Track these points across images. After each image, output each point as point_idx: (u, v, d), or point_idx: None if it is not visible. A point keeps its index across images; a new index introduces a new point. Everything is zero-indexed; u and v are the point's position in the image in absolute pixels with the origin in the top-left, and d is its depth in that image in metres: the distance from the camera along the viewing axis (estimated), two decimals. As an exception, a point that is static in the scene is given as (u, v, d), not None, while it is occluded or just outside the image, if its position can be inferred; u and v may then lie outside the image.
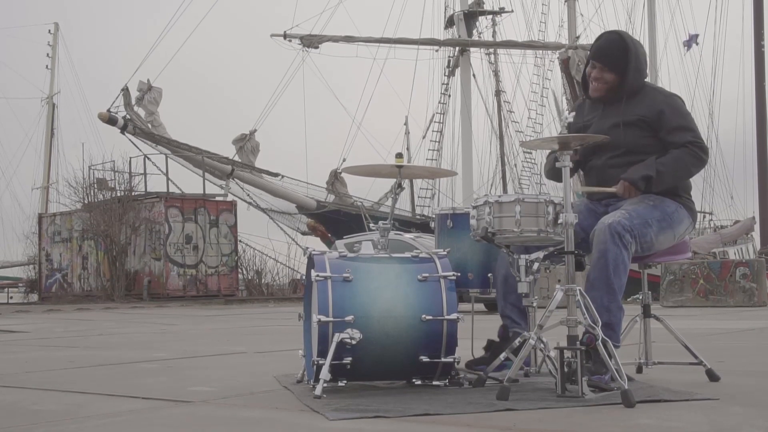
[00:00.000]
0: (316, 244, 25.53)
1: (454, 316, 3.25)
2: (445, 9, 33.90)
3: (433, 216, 3.91)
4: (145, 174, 23.98)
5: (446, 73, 33.09)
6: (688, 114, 3.74)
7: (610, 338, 3.21)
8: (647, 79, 3.84)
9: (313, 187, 27.26)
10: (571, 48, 29.69)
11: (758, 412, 2.77)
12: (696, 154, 3.61)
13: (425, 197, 31.59)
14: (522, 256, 3.35)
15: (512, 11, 35.40)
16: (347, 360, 3.18)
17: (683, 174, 3.64)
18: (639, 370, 3.76)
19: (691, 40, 34.15)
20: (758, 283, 13.91)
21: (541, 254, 3.36)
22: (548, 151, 3.81)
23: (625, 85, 3.68)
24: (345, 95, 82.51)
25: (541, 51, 33.48)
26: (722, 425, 2.49)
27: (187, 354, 5.43)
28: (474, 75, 33.11)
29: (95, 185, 23.83)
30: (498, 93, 35.17)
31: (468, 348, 3.76)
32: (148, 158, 24.02)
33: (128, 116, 24.22)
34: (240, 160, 26.20)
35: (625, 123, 3.66)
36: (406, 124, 37.75)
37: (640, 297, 3.70)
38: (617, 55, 3.68)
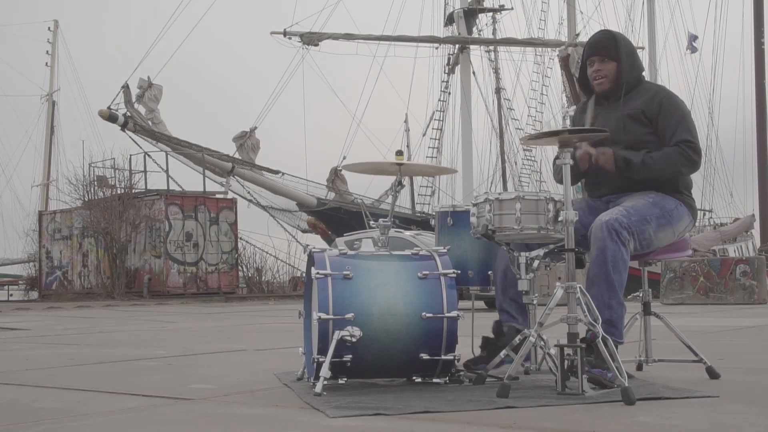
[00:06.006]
0: (316, 241, 25.58)
1: (454, 313, 3.25)
2: (445, 6, 33.92)
3: (434, 213, 3.91)
4: (145, 171, 23.99)
5: (446, 71, 33.10)
6: (688, 114, 3.74)
7: (612, 335, 3.21)
8: (648, 79, 3.87)
9: (313, 185, 27.30)
10: (570, 45, 29.66)
11: (758, 409, 2.77)
12: (688, 155, 3.62)
13: (425, 195, 31.66)
14: (522, 253, 3.36)
15: (512, 9, 35.48)
16: (347, 357, 3.18)
17: (670, 170, 3.64)
18: (639, 367, 3.77)
19: (692, 41, 34.16)
20: (758, 280, 13.91)
21: (541, 252, 3.36)
22: (552, 153, 3.83)
23: (622, 74, 3.72)
24: (345, 93, 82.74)
25: (540, 48, 33.50)
26: (722, 423, 2.49)
27: (188, 351, 5.43)
28: (474, 72, 33.15)
29: (95, 183, 23.79)
30: (498, 90, 35.18)
31: (468, 345, 3.76)
32: (149, 155, 24.03)
33: (128, 113, 24.24)
34: (240, 158, 26.21)
35: (627, 117, 3.68)
36: (406, 121, 37.74)
37: (641, 294, 3.71)
38: (609, 45, 3.78)
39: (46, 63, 45.49)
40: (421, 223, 23.36)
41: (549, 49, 33.01)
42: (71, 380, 3.87)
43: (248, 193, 26.06)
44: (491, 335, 3.71)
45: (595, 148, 3.64)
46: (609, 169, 3.62)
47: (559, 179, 3.80)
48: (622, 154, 3.60)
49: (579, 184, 3.99)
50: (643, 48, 34.65)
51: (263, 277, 25.43)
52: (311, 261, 3.36)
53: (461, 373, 3.45)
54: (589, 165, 3.67)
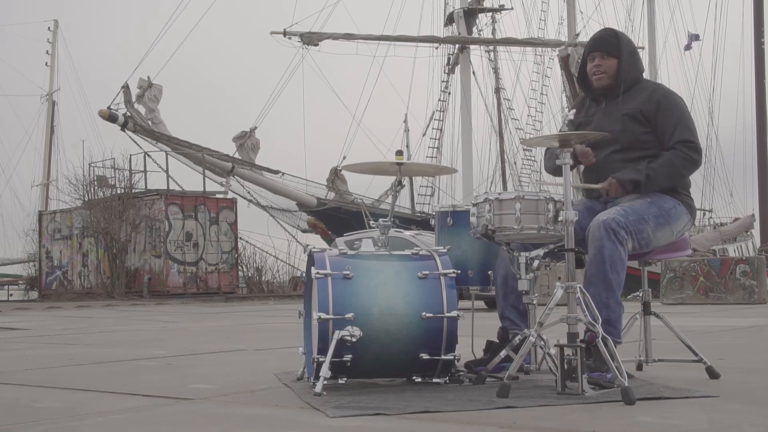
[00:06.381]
0: (316, 241, 25.57)
1: (454, 313, 3.25)
2: (445, 6, 33.92)
3: (433, 213, 3.91)
4: (145, 171, 24.01)
5: (446, 71, 33.10)
6: (687, 111, 3.74)
7: (611, 334, 3.21)
8: (647, 77, 3.87)
9: (313, 185, 27.31)
10: (570, 45, 29.67)
11: (758, 409, 2.77)
12: (688, 156, 3.62)
13: (425, 195, 31.65)
14: (522, 253, 3.36)
15: (512, 8, 35.44)
16: (347, 357, 3.18)
17: (675, 177, 3.65)
18: (639, 367, 3.77)
19: (692, 40, 34.15)
20: (758, 280, 13.91)
21: (541, 252, 3.36)
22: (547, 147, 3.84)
23: (622, 72, 3.72)
24: (345, 93, 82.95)
25: (540, 48, 33.48)
26: (722, 423, 2.50)
27: (188, 351, 5.43)
28: (474, 72, 33.14)
29: (95, 182, 23.81)
30: (498, 90, 35.18)
31: (468, 345, 3.76)
32: (149, 155, 24.04)
33: (128, 113, 24.24)
34: (240, 158, 26.21)
35: (625, 116, 3.68)
36: (405, 121, 37.74)
37: (640, 294, 3.71)
38: (611, 42, 3.79)
39: (46, 63, 45.56)
40: (421, 223, 23.37)
41: (549, 49, 33.01)
42: (71, 380, 3.87)
43: (248, 193, 26.06)
44: (495, 339, 3.71)
45: (598, 182, 3.65)
46: (621, 196, 3.62)
47: (549, 169, 3.82)
48: (627, 178, 3.59)
49: (576, 174, 4.01)
50: (643, 48, 34.62)
51: (263, 277, 25.44)
52: (311, 261, 3.36)
53: (461, 372, 3.45)
54: (590, 162, 3.70)
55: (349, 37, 30.38)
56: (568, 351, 3.02)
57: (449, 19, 33.52)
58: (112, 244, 22.48)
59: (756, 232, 32.58)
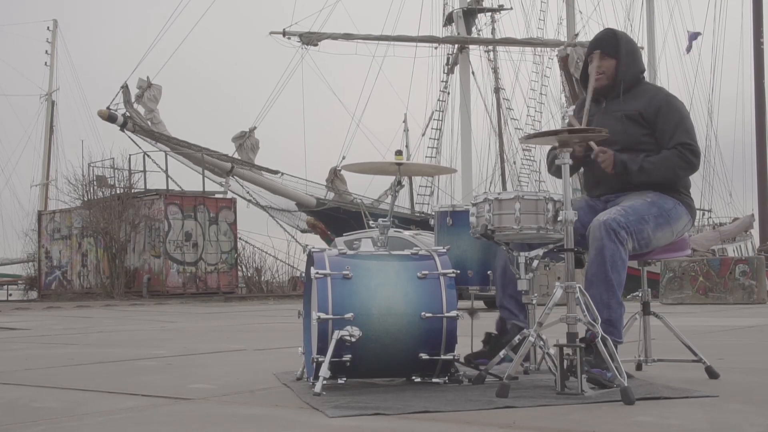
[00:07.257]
0: (315, 241, 25.57)
1: (453, 313, 3.26)
2: (444, 6, 33.91)
3: (433, 213, 3.91)
4: (144, 171, 24.00)
5: (445, 71, 33.10)
6: (687, 115, 3.75)
7: (612, 335, 3.22)
8: (648, 80, 3.88)
9: (312, 185, 27.32)
10: (569, 45, 29.68)
11: (758, 409, 2.77)
12: (686, 157, 3.63)
13: (424, 195, 31.64)
14: (522, 253, 3.36)
15: (511, 8, 35.41)
16: (347, 357, 3.18)
17: (669, 175, 3.65)
18: (638, 367, 3.77)
19: (693, 39, 34.12)
20: (758, 280, 13.92)
21: (540, 251, 3.36)
22: (548, 148, 3.84)
23: (620, 71, 3.73)
24: (344, 93, 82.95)
25: (539, 48, 33.47)
26: (722, 422, 2.50)
27: (187, 351, 5.43)
28: (473, 72, 33.13)
29: (95, 182, 23.81)
30: (497, 90, 35.15)
31: (467, 345, 3.76)
32: (148, 155, 24.04)
33: (128, 113, 24.25)
34: (239, 158, 26.21)
35: (625, 117, 3.69)
36: (405, 121, 37.77)
37: (640, 294, 3.71)
38: (610, 42, 3.81)
39: (46, 63, 45.51)
40: (420, 222, 23.38)
41: (548, 49, 32.99)
42: (71, 380, 3.87)
43: (247, 193, 26.07)
44: (494, 332, 3.71)
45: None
46: (606, 170, 3.63)
47: (552, 171, 3.83)
48: (621, 158, 3.61)
49: (577, 177, 4.02)
50: (642, 48, 34.50)
51: (262, 277, 25.43)
52: (311, 261, 3.36)
53: (461, 372, 3.45)
54: (587, 158, 3.70)
55: (348, 37, 30.37)
56: (567, 351, 3.02)
57: (448, 19, 33.52)
58: (111, 244, 22.47)
59: (755, 232, 32.58)
